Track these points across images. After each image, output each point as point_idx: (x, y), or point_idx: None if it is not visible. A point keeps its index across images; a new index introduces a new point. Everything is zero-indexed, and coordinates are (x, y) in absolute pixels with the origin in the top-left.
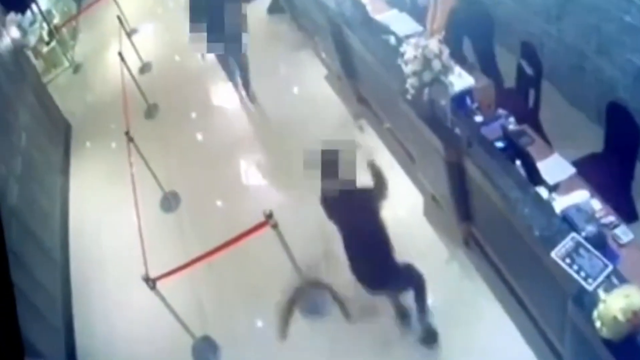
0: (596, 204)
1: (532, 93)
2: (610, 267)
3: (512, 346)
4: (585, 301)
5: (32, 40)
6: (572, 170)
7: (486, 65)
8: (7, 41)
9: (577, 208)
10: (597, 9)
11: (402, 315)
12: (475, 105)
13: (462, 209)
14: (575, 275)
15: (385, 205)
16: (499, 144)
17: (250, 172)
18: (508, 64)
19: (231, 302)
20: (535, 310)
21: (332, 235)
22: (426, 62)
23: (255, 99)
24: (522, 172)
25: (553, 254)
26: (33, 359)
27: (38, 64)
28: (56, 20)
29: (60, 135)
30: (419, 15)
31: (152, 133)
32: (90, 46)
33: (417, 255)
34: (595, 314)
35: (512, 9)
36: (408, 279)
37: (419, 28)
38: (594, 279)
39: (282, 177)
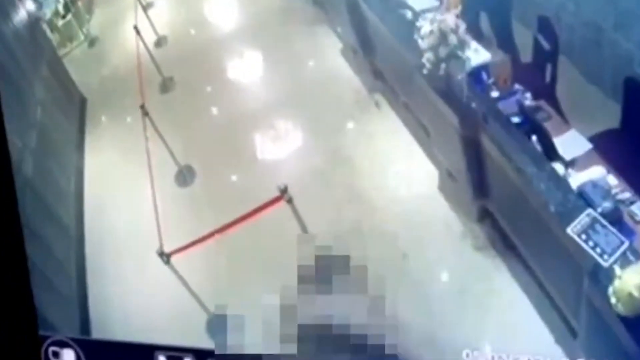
0: (612, 180)
1: (548, 68)
2: (626, 244)
3: (527, 322)
4: (601, 277)
5: (47, 13)
6: (588, 146)
7: (503, 40)
8: (23, 14)
9: (593, 184)
10: None
11: None
12: (491, 80)
13: (478, 184)
14: (591, 252)
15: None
16: (515, 120)
17: (265, 147)
18: (525, 39)
19: (245, 277)
20: (550, 286)
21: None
22: (442, 36)
23: None
24: (538, 147)
25: (569, 230)
26: (47, 332)
27: (54, 37)
28: None
29: (75, 109)
30: None
31: (168, 107)
32: (106, 20)
33: (431, 230)
34: (610, 290)
35: None
36: None
37: (436, 2)
38: (610, 255)
39: (297, 152)
